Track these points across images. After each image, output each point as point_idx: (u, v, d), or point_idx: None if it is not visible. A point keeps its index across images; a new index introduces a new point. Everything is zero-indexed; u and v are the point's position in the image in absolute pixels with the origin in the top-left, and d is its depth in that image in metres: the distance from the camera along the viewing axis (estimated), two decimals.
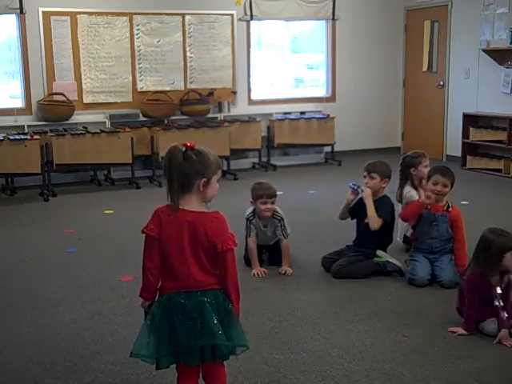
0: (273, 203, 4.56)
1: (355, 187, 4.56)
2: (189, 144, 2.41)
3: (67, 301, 4.10)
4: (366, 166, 4.61)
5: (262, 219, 4.62)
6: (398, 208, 4.96)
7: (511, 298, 3.45)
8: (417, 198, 4.96)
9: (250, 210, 4.65)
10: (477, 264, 3.46)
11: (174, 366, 2.53)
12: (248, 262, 4.64)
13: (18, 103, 8.19)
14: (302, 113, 9.33)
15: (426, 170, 5.03)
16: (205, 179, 2.41)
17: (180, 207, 2.42)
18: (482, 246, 3.47)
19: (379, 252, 4.51)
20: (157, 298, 2.51)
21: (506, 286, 3.44)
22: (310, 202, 6.90)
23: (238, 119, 8.78)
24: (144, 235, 2.48)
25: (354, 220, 4.68)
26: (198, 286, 2.43)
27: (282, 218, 4.61)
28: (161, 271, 2.49)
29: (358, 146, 9.72)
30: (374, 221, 4.46)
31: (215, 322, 2.40)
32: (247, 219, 4.62)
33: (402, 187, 5.03)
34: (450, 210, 4.34)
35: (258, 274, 4.52)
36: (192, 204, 2.43)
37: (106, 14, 8.31)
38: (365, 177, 4.55)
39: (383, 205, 4.53)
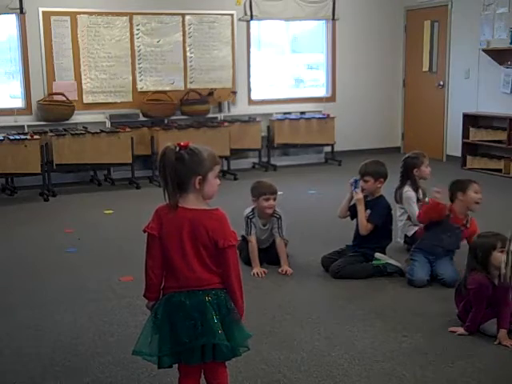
0: (275, 200, 4.57)
1: (353, 186, 4.55)
2: (182, 143, 2.42)
3: (67, 301, 4.09)
4: (359, 169, 4.58)
5: (262, 218, 4.63)
6: (396, 208, 4.97)
7: (508, 297, 3.45)
8: (414, 198, 4.97)
9: (250, 208, 4.66)
10: (475, 271, 3.46)
11: (175, 365, 2.54)
12: (246, 262, 4.63)
13: (18, 103, 8.19)
14: (302, 113, 9.33)
15: (427, 170, 5.04)
16: (200, 177, 2.41)
17: (179, 205, 2.42)
18: (471, 253, 3.52)
19: (378, 255, 4.49)
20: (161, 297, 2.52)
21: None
22: (310, 202, 6.89)
23: (238, 119, 8.78)
24: (146, 235, 2.48)
25: (354, 219, 4.67)
26: (200, 284, 2.43)
27: (281, 217, 4.63)
28: (161, 271, 2.49)
29: (358, 146, 9.71)
30: (362, 226, 4.48)
31: (215, 321, 2.40)
32: (248, 217, 4.61)
33: (400, 188, 5.03)
34: (468, 226, 4.29)
35: (258, 273, 4.51)
36: (191, 202, 2.43)
37: (106, 13, 8.31)
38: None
39: (376, 208, 4.51)
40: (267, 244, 4.72)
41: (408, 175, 5.02)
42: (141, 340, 2.48)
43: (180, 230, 2.41)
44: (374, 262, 4.48)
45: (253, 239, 4.61)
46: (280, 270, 4.56)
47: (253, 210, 4.64)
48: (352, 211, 4.63)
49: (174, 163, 2.39)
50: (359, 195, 4.51)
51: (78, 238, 5.53)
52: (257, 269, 4.54)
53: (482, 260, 3.43)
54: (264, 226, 4.65)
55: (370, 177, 4.51)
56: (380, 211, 4.51)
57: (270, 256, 4.69)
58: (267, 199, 4.54)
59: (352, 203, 4.62)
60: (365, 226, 4.48)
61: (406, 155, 5.18)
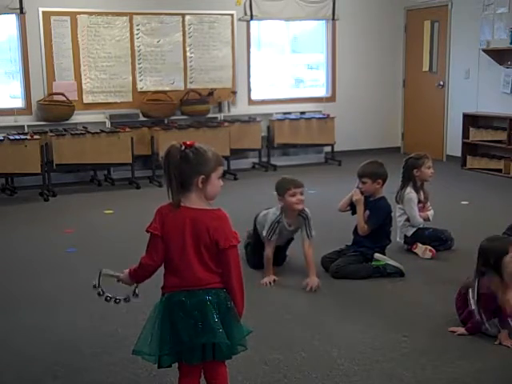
0: (302, 194, 4.29)
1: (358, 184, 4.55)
2: (188, 142, 2.43)
3: (67, 301, 4.10)
4: (357, 171, 4.55)
5: (288, 217, 4.34)
6: (396, 209, 4.97)
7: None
8: (415, 200, 4.96)
9: (276, 208, 4.38)
10: (485, 276, 3.44)
11: (175, 365, 2.54)
12: (254, 265, 4.47)
13: (18, 103, 8.19)
14: (302, 113, 9.33)
15: (428, 172, 5.02)
16: (203, 176, 2.42)
17: (181, 204, 2.43)
18: (481, 258, 3.46)
19: (377, 255, 4.48)
20: (160, 296, 2.52)
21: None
22: (310, 202, 6.83)
23: (238, 119, 8.78)
24: (147, 234, 2.48)
25: (355, 216, 4.64)
26: (200, 284, 2.43)
27: (308, 217, 4.34)
28: (157, 269, 2.49)
29: (358, 146, 9.71)
30: (360, 228, 4.51)
31: (216, 320, 2.40)
32: (276, 221, 4.31)
33: (402, 188, 5.01)
34: None
35: (268, 283, 4.29)
36: (193, 201, 2.44)
37: (106, 14, 8.31)
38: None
39: (376, 211, 4.49)
40: (284, 243, 4.55)
41: (409, 176, 5.00)
42: (141, 340, 2.48)
43: (182, 229, 2.42)
44: (373, 262, 4.47)
45: (272, 245, 4.33)
46: (306, 283, 4.20)
47: (281, 210, 4.34)
48: (353, 207, 4.61)
49: (178, 162, 2.40)
50: (358, 196, 4.50)
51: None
52: (270, 277, 4.30)
53: (494, 264, 3.39)
54: (289, 226, 4.38)
55: (367, 178, 4.49)
56: (379, 214, 4.50)
57: (277, 256, 4.51)
58: (293, 194, 4.23)
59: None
60: (362, 228, 4.48)
61: (410, 155, 5.16)
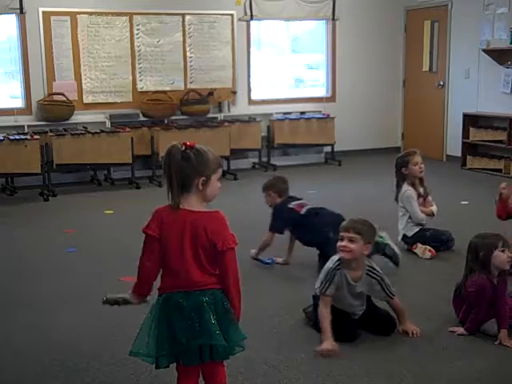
0: (352, 241, 3.32)
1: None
2: (188, 143, 2.42)
3: (67, 301, 4.10)
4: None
5: (348, 270, 3.39)
6: (398, 210, 4.96)
7: (506, 297, 3.46)
8: (414, 196, 4.97)
9: (335, 256, 3.46)
10: (474, 271, 3.46)
11: (174, 365, 2.54)
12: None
13: (18, 103, 8.19)
14: (302, 113, 9.34)
15: (416, 168, 5.01)
16: (203, 178, 2.41)
17: (181, 206, 2.42)
18: (470, 254, 3.50)
19: (384, 233, 4.30)
20: (156, 296, 2.51)
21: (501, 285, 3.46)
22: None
23: (238, 119, 8.79)
24: (144, 235, 2.48)
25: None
26: (197, 285, 2.43)
27: (382, 279, 3.44)
28: (157, 271, 2.49)
29: (358, 146, 9.71)
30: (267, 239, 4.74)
31: (213, 321, 2.40)
32: (334, 268, 3.38)
33: (398, 187, 5.03)
34: None
35: (327, 353, 3.23)
36: (192, 203, 2.43)
37: (106, 13, 8.31)
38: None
39: (272, 216, 4.74)
40: (359, 311, 3.54)
41: (400, 175, 5.04)
42: (138, 340, 2.48)
43: (181, 231, 2.41)
44: (377, 237, 3.90)
45: (327, 302, 3.37)
46: (406, 331, 3.52)
47: (339, 258, 3.41)
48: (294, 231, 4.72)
49: (179, 162, 2.39)
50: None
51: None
52: (329, 344, 3.25)
53: (483, 260, 3.43)
54: (355, 282, 3.40)
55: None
56: (274, 217, 4.67)
57: (350, 328, 3.49)
58: (340, 238, 3.36)
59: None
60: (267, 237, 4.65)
61: (398, 155, 5.22)
